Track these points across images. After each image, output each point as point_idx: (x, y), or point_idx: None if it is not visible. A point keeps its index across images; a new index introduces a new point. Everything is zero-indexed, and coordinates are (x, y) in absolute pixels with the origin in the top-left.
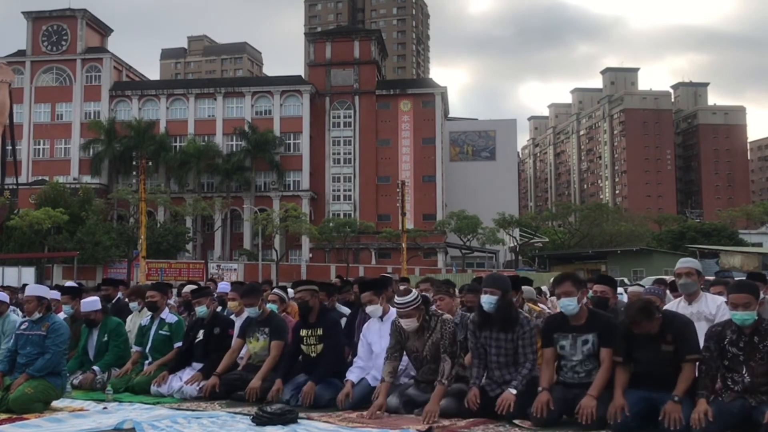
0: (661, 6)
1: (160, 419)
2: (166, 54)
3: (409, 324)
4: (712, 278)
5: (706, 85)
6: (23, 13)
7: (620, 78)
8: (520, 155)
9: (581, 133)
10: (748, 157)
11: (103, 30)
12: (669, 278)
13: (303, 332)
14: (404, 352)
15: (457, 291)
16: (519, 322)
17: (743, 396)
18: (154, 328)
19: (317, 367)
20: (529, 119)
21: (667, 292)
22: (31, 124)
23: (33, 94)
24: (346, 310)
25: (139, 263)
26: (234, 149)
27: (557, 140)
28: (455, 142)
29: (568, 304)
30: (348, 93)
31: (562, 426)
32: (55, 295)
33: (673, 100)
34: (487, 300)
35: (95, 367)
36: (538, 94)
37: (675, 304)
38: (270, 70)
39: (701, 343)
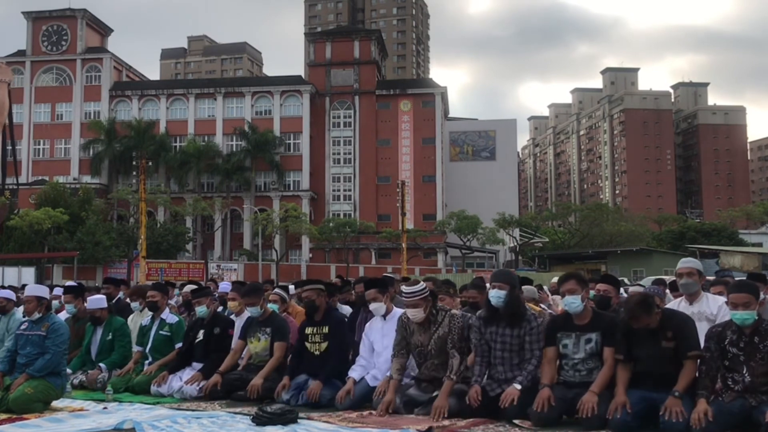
0: (661, 6)
1: (160, 419)
2: (166, 54)
3: (415, 314)
4: (712, 278)
5: (706, 85)
6: (23, 13)
7: (620, 78)
8: (520, 155)
9: (581, 133)
10: (748, 157)
11: (103, 30)
12: (668, 278)
13: (308, 330)
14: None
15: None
16: (526, 318)
17: (743, 396)
18: (154, 328)
19: (321, 365)
20: (529, 119)
21: (667, 291)
22: (31, 124)
23: (33, 94)
24: (348, 310)
25: (139, 263)
26: (234, 149)
27: (557, 140)
28: (455, 142)
29: (572, 302)
30: (348, 93)
31: (562, 426)
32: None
33: (673, 100)
34: (496, 294)
35: (101, 365)
36: (538, 94)
37: (676, 304)
38: (270, 70)
39: (701, 344)
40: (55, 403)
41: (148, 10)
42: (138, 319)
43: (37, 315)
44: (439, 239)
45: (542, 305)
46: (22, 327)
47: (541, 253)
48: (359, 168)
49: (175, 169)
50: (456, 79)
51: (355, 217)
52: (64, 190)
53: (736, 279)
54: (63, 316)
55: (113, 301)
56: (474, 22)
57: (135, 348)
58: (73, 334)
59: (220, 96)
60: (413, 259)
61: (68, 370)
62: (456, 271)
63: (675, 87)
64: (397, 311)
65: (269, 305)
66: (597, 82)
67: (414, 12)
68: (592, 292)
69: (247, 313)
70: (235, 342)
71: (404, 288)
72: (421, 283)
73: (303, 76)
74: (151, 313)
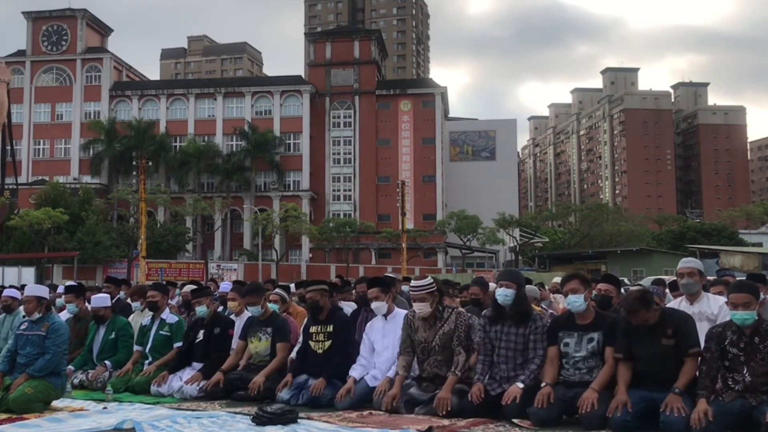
0: (661, 6)
1: (160, 419)
2: (166, 54)
3: (422, 308)
4: (713, 278)
5: (706, 85)
6: (23, 13)
7: (620, 78)
8: (520, 155)
9: (581, 133)
10: (748, 157)
11: (103, 30)
12: (668, 278)
13: (313, 329)
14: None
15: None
16: (532, 317)
17: (743, 395)
18: (154, 328)
19: (324, 363)
20: (529, 119)
21: (667, 291)
22: (31, 124)
23: (33, 94)
24: (352, 306)
25: (139, 263)
26: (234, 149)
27: (557, 140)
28: (455, 142)
29: (575, 301)
30: (348, 93)
31: (562, 426)
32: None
33: (673, 100)
34: (503, 293)
35: (107, 362)
36: (538, 94)
37: (676, 304)
38: (270, 70)
39: (702, 344)
40: (55, 403)
41: (148, 10)
42: (138, 318)
43: (37, 315)
44: (439, 239)
45: (543, 304)
46: (22, 327)
47: (541, 253)
48: (359, 168)
49: (175, 169)
50: (456, 79)
51: (355, 217)
52: (64, 190)
53: (737, 279)
54: (64, 315)
55: (114, 301)
56: (474, 22)
57: (135, 348)
58: (74, 334)
59: (220, 96)
60: (413, 259)
61: (71, 367)
62: (456, 271)
63: (675, 87)
64: (398, 311)
65: (269, 305)
66: (597, 82)
67: (414, 12)
68: (594, 292)
69: (247, 314)
70: (235, 342)
71: (412, 282)
72: (429, 277)
73: (303, 76)
74: (151, 313)
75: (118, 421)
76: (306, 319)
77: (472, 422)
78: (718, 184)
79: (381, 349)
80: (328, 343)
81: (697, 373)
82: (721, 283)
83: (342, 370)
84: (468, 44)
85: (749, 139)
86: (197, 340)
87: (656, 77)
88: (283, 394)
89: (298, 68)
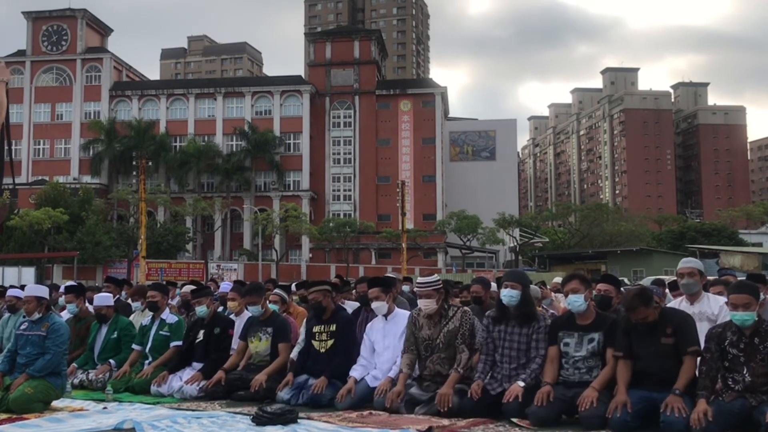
0: (661, 6)
1: (160, 419)
2: (166, 54)
3: (427, 305)
4: (713, 278)
5: (706, 85)
6: (23, 13)
7: (620, 78)
8: (520, 155)
9: (581, 133)
10: (748, 157)
11: (103, 30)
12: (668, 278)
13: (316, 328)
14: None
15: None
16: (536, 318)
17: (744, 395)
18: (154, 328)
19: (326, 363)
20: (529, 119)
21: (667, 291)
22: (31, 124)
23: (33, 94)
24: (354, 305)
25: (139, 263)
26: (234, 149)
27: (557, 140)
28: (455, 142)
29: (576, 300)
30: (348, 93)
31: (561, 426)
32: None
33: (673, 100)
34: (508, 294)
35: (111, 361)
36: (538, 94)
37: (677, 304)
38: (270, 70)
39: (702, 344)
40: (55, 403)
41: (148, 10)
42: (138, 318)
43: (37, 315)
44: (439, 239)
45: (544, 303)
46: (22, 327)
47: (541, 253)
48: (359, 168)
49: (175, 169)
50: (456, 79)
51: (355, 217)
52: (64, 190)
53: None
54: (64, 315)
55: (114, 301)
56: (474, 22)
57: (133, 347)
58: (74, 334)
59: (220, 96)
60: (413, 259)
61: (74, 365)
62: (456, 271)
63: (675, 87)
64: (399, 312)
65: (269, 305)
66: (597, 82)
67: (414, 12)
68: (594, 293)
69: (247, 314)
70: (235, 342)
71: (419, 279)
72: (435, 275)
73: (303, 76)
74: (151, 313)
75: (118, 421)
76: (307, 318)
77: (472, 422)
78: (718, 184)
79: (381, 350)
80: (330, 342)
81: (697, 374)
82: (721, 283)
83: (343, 370)
84: (468, 44)
85: (749, 139)
86: (197, 340)
87: (656, 77)
88: (283, 393)
89: (298, 68)
